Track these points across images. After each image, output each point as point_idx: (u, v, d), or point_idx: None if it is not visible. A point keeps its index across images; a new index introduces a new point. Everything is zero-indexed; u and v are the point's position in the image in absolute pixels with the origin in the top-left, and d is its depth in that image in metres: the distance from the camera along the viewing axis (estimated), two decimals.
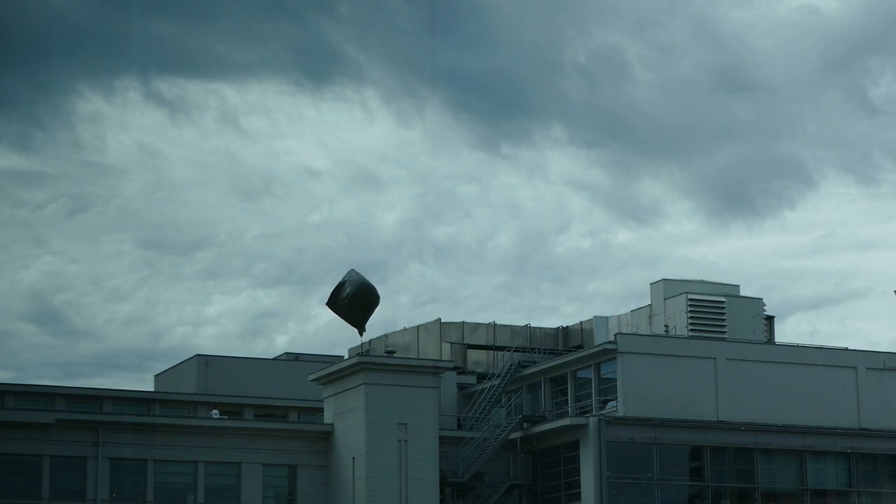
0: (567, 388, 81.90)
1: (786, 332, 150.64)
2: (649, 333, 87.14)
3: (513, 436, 78.85)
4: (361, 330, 76.90)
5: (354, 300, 75.41)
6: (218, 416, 78.90)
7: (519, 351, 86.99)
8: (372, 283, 76.65)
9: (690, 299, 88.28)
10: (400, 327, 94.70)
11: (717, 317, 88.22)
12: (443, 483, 75.58)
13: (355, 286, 75.42)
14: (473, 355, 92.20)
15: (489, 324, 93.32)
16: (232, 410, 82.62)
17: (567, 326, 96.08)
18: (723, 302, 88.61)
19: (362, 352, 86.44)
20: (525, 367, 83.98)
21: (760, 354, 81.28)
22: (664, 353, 78.72)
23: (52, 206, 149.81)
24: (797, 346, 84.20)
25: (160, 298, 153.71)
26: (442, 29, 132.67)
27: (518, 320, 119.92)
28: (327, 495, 75.35)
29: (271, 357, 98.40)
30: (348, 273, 76.38)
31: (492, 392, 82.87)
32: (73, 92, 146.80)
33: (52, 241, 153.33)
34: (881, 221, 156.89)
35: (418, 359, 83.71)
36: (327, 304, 77.04)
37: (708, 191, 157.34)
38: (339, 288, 76.04)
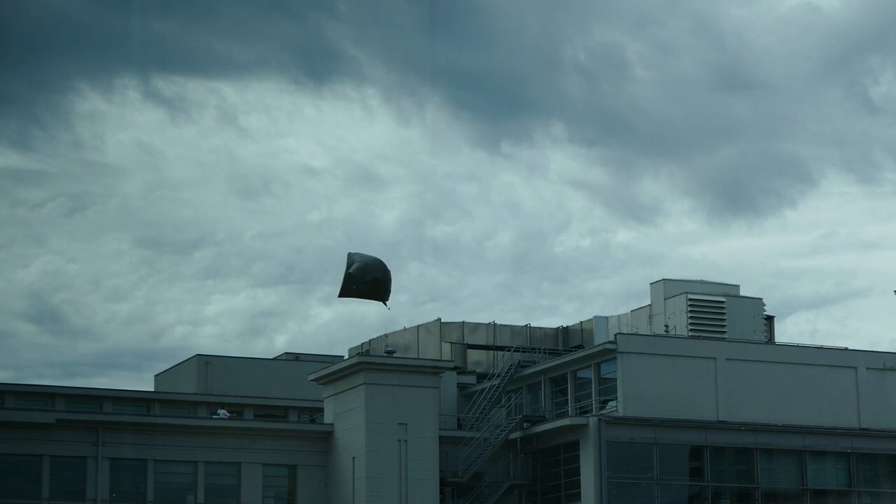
0: (567, 388, 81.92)
1: (786, 332, 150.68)
2: (649, 333, 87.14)
3: (513, 436, 78.86)
4: (386, 301, 76.02)
5: (370, 285, 74.75)
6: (227, 415, 78.88)
7: (519, 351, 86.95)
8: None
9: (690, 299, 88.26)
10: (400, 327, 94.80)
11: (717, 317, 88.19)
12: (443, 483, 75.59)
13: (373, 271, 74.60)
14: (473, 355, 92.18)
15: (489, 324, 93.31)
16: (232, 410, 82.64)
17: (567, 326, 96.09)
18: (723, 302, 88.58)
19: (362, 352, 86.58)
20: (525, 367, 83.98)
21: (760, 354, 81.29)
22: (664, 353, 78.72)
23: (51, 205, 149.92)
24: (797, 346, 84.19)
25: (159, 298, 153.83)
26: (442, 27, 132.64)
27: (518, 320, 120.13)
28: (327, 495, 75.36)
29: (271, 357, 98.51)
30: (351, 262, 75.28)
31: (492, 392, 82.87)
32: (72, 90, 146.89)
33: (50, 240, 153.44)
34: (882, 221, 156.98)
35: (418, 359, 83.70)
36: (340, 295, 76.00)
37: (708, 190, 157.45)
38: (350, 276, 75.19)
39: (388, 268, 74.76)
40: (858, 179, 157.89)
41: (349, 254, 75.38)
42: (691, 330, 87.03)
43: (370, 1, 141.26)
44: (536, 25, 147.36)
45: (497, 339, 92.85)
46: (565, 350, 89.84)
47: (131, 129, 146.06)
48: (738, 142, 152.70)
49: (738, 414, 78.94)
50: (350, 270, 74.44)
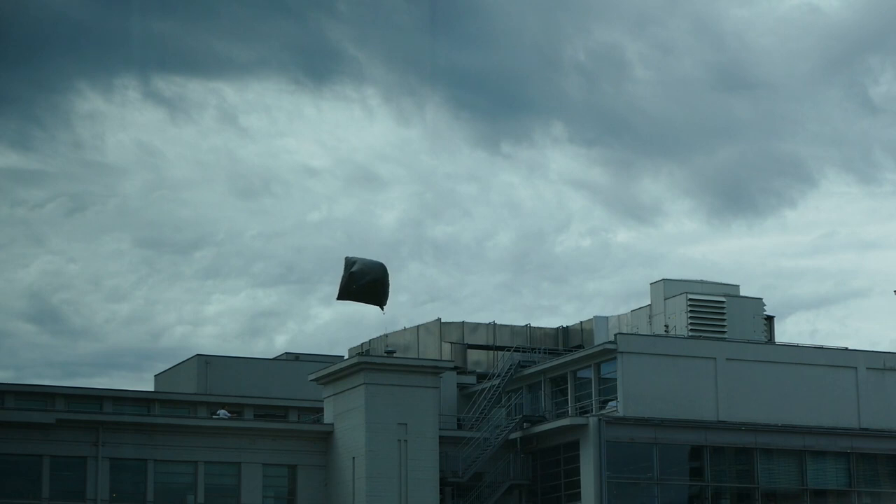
0: (567, 388, 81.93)
1: (786, 332, 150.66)
2: (649, 333, 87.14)
3: (513, 436, 78.87)
4: (383, 306, 76.13)
5: (368, 288, 74.81)
6: (227, 415, 78.88)
7: (519, 351, 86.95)
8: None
9: (690, 299, 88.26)
10: (400, 327, 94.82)
11: (717, 317, 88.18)
12: (443, 483, 75.59)
13: (373, 272, 74.65)
14: (473, 355, 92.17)
15: (489, 324, 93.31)
16: (232, 410, 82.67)
17: (567, 326, 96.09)
18: (723, 302, 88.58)
19: (362, 352, 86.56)
20: (525, 367, 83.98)
21: (760, 354, 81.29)
22: (664, 353, 78.72)
23: (51, 205, 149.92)
24: (797, 346, 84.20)
25: (159, 298, 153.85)
26: (442, 27, 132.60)
27: (518, 320, 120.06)
28: (327, 495, 75.38)
29: (271, 357, 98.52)
30: (351, 262, 75.36)
31: (492, 392, 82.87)
32: (72, 90, 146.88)
33: (50, 240, 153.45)
34: (882, 221, 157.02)
35: (418, 359, 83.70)
36: (339, 297, 76.01)
37: (708, 190, 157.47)
38: (350, 277, 75.24)
39: (388, 272, 74.85)
40: (858, 179, 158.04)
41: (347, 257, 75.43)
42: (691, 330, 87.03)
43: (370, 1, 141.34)
44: (536, 25, 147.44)
45: (497, 339, 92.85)
46: (565, 350, 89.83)
47: (131, 129, 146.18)
48: (738, 142, 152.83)
49: (738, 414, 78.94)
50: (353, 269, 74.47)
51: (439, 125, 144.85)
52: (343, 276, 75.23)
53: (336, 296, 75.52)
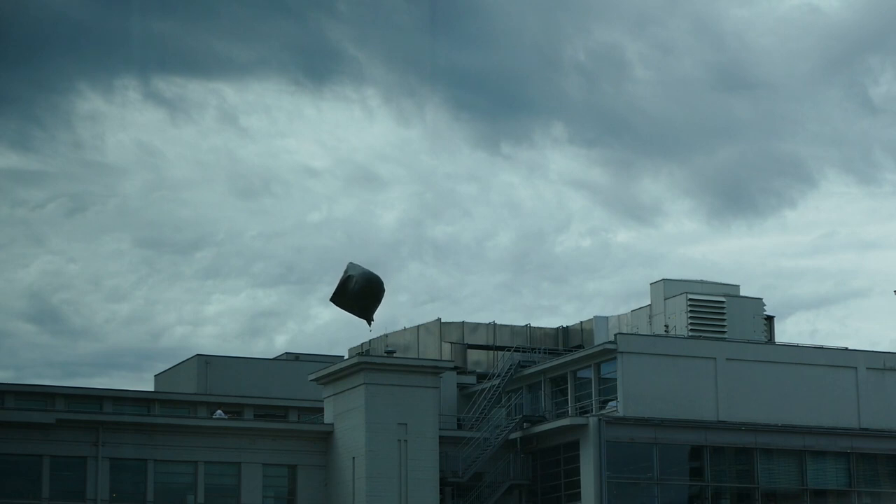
0: (567, 388, 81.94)
1: (786, 332, 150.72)
2: (649, 333, 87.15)
3: (513, 436, 78.88)
4: (370, 321, 76.47)
5: (363, 293, 75.07)
6: (224, 416, 78.87)
7: (519, 351, 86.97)
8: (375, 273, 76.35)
9: (690, 299, 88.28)
10: (400, 327, 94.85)
11: (717, 317, 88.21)
12: (443, 483, 75.60)
13: (363, 280, 75.00)
14: (473, 355, 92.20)
15: (489, 324, 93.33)
16: (232, 410, 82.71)
17: (567, 326, 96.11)
18: (723, 302, 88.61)
19: (362, 352, 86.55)
20: (525, 367, 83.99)
21: (760, 354, 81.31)
22: (664, 353, 78.73)
23: (52, 206, 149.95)
24: (797, 346, 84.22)
25: (159, 298, 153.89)
26: (442, 27, 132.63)
27: (518, 320, 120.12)
28: (327, 495, 75.38)
29: (271, 357, 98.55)
30: (349, 267, 75.85)
31: (492, 392, 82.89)
32: (72, 91, 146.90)
33: (51, 240, 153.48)
34: (882, 221, 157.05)
35: (418, 359, 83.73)
36: (331, 300, 76.38)
37: (708, 190, 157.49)
38: (345, 283, 75.54)
39: (384, 288, 75.34)
40: (858, 179, 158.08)
41: (350, 263, 75.72)
42: (691, 330, 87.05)
43: (370, 1, 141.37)
44: (536, 25, 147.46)
45: (497, 339, 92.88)
46: (565, 350, 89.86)
47: (131, 130, 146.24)
48: (738, 142, 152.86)
49: (738, 414, 78.95)
50: (352, 274, 74.70)
51: (439, 125, 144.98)
52: (341, 279, 75.51)
53: (329, 297, 75.92)
